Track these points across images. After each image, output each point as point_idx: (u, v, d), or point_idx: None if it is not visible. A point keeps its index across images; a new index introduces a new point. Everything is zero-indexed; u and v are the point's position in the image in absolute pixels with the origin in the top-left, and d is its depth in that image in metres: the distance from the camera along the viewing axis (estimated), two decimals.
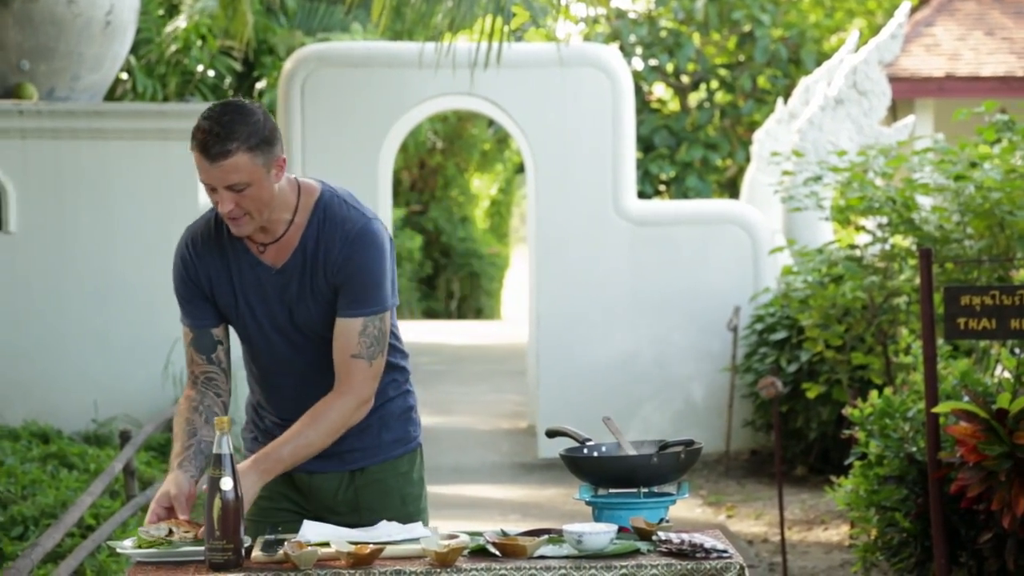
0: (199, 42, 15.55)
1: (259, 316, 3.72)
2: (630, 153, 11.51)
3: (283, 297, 3.70)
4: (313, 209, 3.69)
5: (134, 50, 15.17)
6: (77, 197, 10.77)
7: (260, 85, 16.49)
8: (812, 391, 9.26)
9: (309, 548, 3.33)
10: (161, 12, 16.16)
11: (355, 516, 3.79)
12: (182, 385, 10.73)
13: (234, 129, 3.51)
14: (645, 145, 19.22)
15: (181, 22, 15.54)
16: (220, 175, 3.52)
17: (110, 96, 14.52)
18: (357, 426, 3.77)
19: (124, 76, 15.51)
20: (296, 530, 3.69)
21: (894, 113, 16.10)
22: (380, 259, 3.68)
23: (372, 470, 3.83)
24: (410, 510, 3.86)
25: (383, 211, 11.94)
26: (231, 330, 3.83)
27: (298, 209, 3.68)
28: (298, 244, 3.68)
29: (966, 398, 5.96)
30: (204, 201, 10.83)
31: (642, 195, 18.08)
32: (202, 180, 3.56)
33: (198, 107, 11.15)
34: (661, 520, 3.62)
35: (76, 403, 10.63)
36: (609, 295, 11.37)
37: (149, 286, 10.74)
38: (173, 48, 15.54)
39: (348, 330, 3.66)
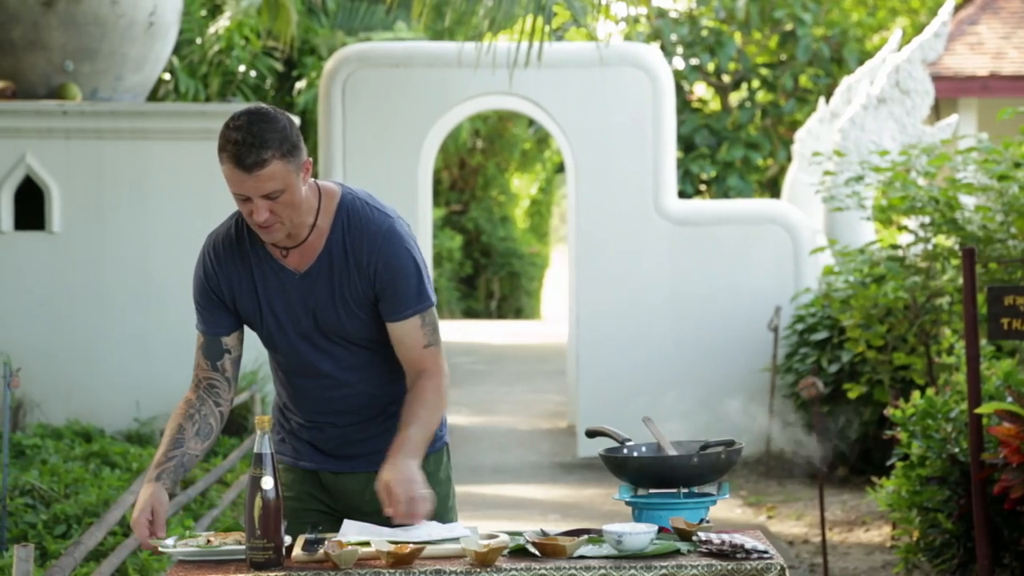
0: (242, 42, 15.62)
1: (282, 321, 3.72)
2: (671, 152, 11.49)
3: (307, 302, 3.70)
4: (336, 212, 3.68)
5: (176, 51, 15.25)
6: (119, 197, 10.83)
7: (299, 85, 16.54)
8: (853, 392, 9.22)
9: (349, 547, 3.33)
10: (203, 13, 16.24)
11: (383, 516, 3.79)
12: None
13: (266, 137, 3.50)
14: (686, 144, 19.18)
15: (224, 21, 15.61)
16: (256, 185, 3.51)
17: (153, 96, 14.61)
18: (383, 426, 3.79)
19: (167, 76, 15.59)
20: (327, 530, 3.70)
21: (937, 112, 16.01)
22: (414, 256, 3.70)
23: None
24: (438, 510, 3.85)
25: (423, 211, 11.95)
26: (247, 335, 3.84)
27: (320, 212, 3.67)
28: (323, 248, 3.68)
29: (1009, 399, 5.92)
30: None
31: (683, 195, 18.04)
32: (234, 191, 3.54)
33: (239, 107, 11.20)
34: (701, 520, 3.61)
35: (118, 402, 10.69)
36: (649, 295, 11.35)
37: (190, 285, 10.75)
38: (216, 48, 15.62)
39: (411, 330, 3.68)
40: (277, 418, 3.91)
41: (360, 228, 3.66)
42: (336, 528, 3.71)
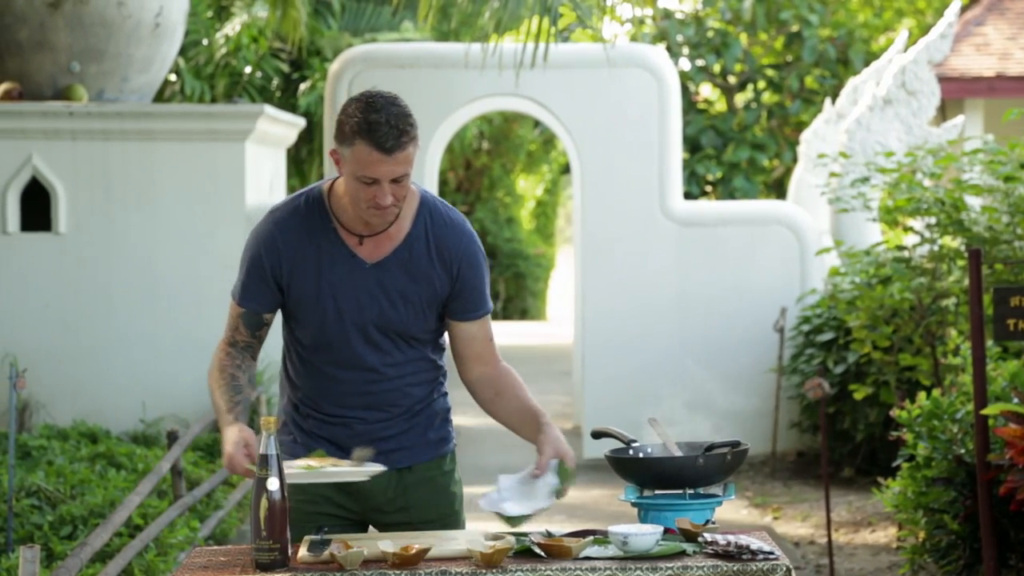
0: (252, 44, 15.64)
1: (342, 308, 3.72)
2: (676, 154, 11.48)
3: (374, 292, 3.71)
4: (418, 209, 3.74)
5: (183, 52, 15.26)
6: (126, 198, 10.84)
7: (303, 86, 16.53)
8: (859, 392, 9.21)
9: (355, 549, 3.34)
10: (210, 14, 16.25)
11: (403, 515, 3.81)
12: None
13: (403, 121, 3.57)
14: (692, 146, 19.17)
15: (235, 26, 15.62)
16: (392, 168, 3.56)
17: (159, 98, 14.62)
18: (403, 425, 3.81)
19: (173, 78, 15.61)
20: (339, 532, 3.71)
21: (943, 113, 16.00)
22: (486, 263, 3.84)
23: (419, 468, 3.85)
24: (456, 509, 3.88)
25: None
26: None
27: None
28: (402, 241, 3.72)
29: (1015, 400, 5.92)
30: (252, 202, 10.88)
31: (688, 196, 18.04)
32: (365, 174, 3.56)
33: (245, 108, 11.21)
34: (707, 521, 3.61)
35: (124, 403, 10.70)
36: (655, 296, 11.35)
37: (197, 286, 10.80)
38: (223, 50, 15.64)
39: (482, 327, 3.85)
40: (289, 416, 3.89)
41: (445, 227, 3.74)
42: (349, 531, 3.73)
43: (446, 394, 3.93)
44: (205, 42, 15.89)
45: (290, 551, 3.38)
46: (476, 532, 3.64)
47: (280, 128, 11.94)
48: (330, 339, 3.74)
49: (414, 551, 3.32)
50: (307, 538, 3.53)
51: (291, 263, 3.71)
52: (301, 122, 12.73)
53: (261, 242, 3.73)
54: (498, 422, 3.93)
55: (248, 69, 15.93)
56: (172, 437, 7.94)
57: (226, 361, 3.75)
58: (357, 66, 11.39)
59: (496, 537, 3.45)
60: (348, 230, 3.70)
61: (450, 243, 3.74)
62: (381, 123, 3.53)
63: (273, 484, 3.32)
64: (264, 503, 3.31)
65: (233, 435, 3.58)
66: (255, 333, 3.78)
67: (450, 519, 3.85)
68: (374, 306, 3.72)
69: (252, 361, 3.80)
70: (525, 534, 3.54)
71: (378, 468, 3.60)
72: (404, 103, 3.61)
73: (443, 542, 3.47)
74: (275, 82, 16.54)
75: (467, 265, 3.76)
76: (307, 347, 3.80)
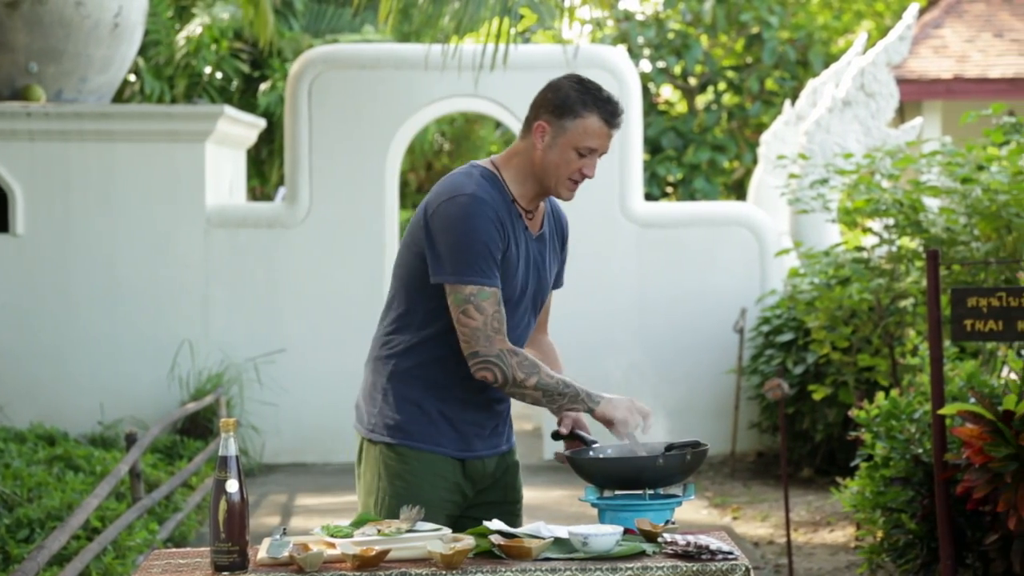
0: (212, 45, 15.57)
1: (526, 283, 3.85)
2: (637, 155, 11.50)
3: (538, 262, 3.88)
4: None
5: (142, 52, 15.19)
6: (84, 199, 10.79)
7: (264, 86, 16.48)
8: (818, 393, 9.25)
9: (315, 550, 3.33)
10: (170, 14, 16.18)
11: (499, 493, 3.92)
12: (188, 387, 10.73)
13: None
14: (652, 147, 19.21)
15: (196, 27, 15.56)
16: (607, 142, 3.85)
17: (118, 98, 14.55)
18: (504, 409, 3.93)
19: (132, 78, 15.54)
20: (450, 523, 3.78)
21: (902, 115, 16.09)
22: None
23: (513, 451, 4.02)
24: (515, 511, 4.02)
25: (390, 212, 11.94)
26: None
27: None
28: (546, 214, 3.94)
29: (972, 400, 5.96)
30: (211, 202, 10.84)
31: (649, 197, 18.07)
32: (589, 144, 3.80)
33: (205, 109, 11.17)
34: (667, 522, 3.62)
35: (82, 405, 10.65)
36: (615, 296, 11.37)
37: (156, 288, 10.75)
38: (183, 51, 15.57)
39: (551, 299, 4.08)
40: (432, 407, 3.79)
41: (556, 206, 4.03)
42: (457, 519, 3.79)
43: None
44: (167, 43, 15.82)
45: (249, 553, 3.37)
46: (437, 534, 3.63)
47: (240, 129, 11.90)
48: (512, 310, 3.83)
49: (374, 553, 3.32)
50: (266, 539, 3.52)
51: (505, 236, 3.79)
52: (261, 123, 12.70)
53: (489, 217, 3.73)
54: None
55: (208, 70, 15.87)
56: (130, 439, 7.90)
57: (529, 354, 3.77)
58: (318, 67, 11.37)
59: (456, 539, 3.45)
60: (524, 207, 3.85)
61: (562, 221, 4.02)
62: (612, 101, 3.86)
63: (232, 486, 3.31)
64: (223, 505, 3.30)
65: (625, 404, 3.79)
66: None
67: (522, 503, 4.01)
68: (536, 277, 3.88)
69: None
70: (486, 531, 3.52)
71: (436, 527, 3.57)
72: None
73: (403, 544, 3.46)
74: (235, 83, 16.48)
75: (567, 236, 4.03)
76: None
